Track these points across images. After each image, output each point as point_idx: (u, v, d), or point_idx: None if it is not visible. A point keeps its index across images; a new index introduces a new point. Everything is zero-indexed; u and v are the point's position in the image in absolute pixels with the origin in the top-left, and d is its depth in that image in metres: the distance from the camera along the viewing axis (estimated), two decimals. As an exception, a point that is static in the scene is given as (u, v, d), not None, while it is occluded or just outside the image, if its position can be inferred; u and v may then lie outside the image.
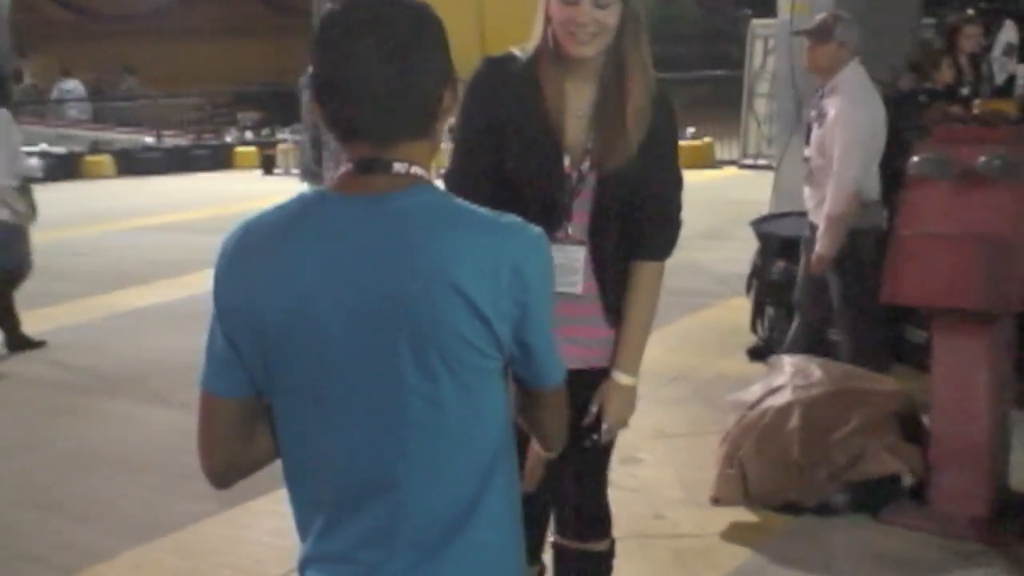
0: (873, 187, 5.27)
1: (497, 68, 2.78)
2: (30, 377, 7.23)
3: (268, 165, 20.02)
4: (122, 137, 21.65)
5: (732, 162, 17.49)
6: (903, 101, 5.49)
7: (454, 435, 1.74)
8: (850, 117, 5.12)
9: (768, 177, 9.10)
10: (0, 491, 5.20)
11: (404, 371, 1.70)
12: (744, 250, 7.16)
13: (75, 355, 7.71)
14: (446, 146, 2.83)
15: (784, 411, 4.34)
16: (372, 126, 1.73)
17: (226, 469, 1.82)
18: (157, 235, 13.10)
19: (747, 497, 4.37)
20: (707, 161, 17.84)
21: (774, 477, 4.30)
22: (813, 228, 5.36)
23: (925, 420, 4.45)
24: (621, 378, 2.85)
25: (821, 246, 5.22)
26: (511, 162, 2.74)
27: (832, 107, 5.20)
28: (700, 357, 6.81)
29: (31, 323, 7.99)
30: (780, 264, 6.15)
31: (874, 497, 4.34)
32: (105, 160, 20.63)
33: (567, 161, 2.76)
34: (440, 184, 1.94)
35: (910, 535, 4.25)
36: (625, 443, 5.42)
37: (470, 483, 1.77)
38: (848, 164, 5.11)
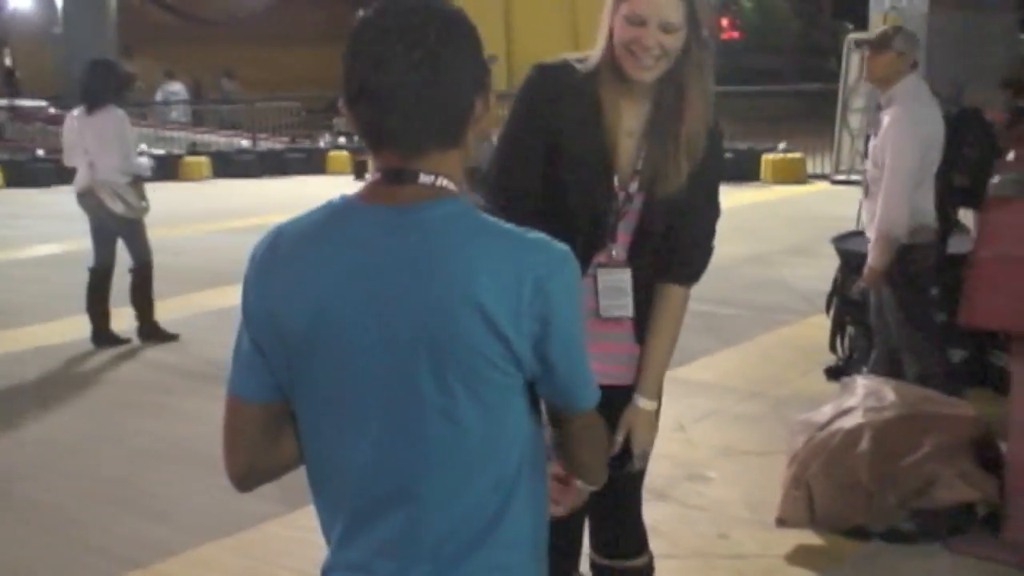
0: (926, 202, 5.16)
1: (554, 77, 2.73)
2: (114, 372, 7.38)
3: (360, 170, 20.19)
4: (219, 139, 22.01)
5: (824, 177, 17.22)
6: (964, 116, 5.38)
7: (472, 451, 1.72)
8: (902, 129, 5.05)
9: (858, 193, 8.96)
10: (75, 485, 5.31)
11: (421, 384, 1.69)
12: (829, 267, 7.03)
13: (161, 352, 7.86)
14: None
15: (854, 433, 4.25)
16: (400, 135, 1.70)
17: (248, 472, 1.82)
18: (250, 236, 13.17)
19: (813, 520, 4.28)
20: (797, 176, 17.58)
21: (841, 501, 4.21)
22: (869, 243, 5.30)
23: (1003, 447, 4.33)
24: (644, 403, 2.82)
25: (871, 258, 5.19)
26: (567, 175, 2.70)
27: (888, 117, 5.14)
28: (777, 375, 6.71)
29: (122, 320, 8.16)
30: (860, 282, 6.02)
31: (946, 525, 4.22)
32: (202, 162, 21.01)
33: (616, 180, 2.73)
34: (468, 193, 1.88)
35: (983, 566, 4.12)
36: (694, 460, 5.40)
37: (490, 501, 1.74)
38: (897, 178, 5.04)
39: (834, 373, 6.40)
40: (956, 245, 5.60)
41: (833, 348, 6.58)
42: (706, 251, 2.86)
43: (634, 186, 2.73)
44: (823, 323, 6.95)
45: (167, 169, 20.04)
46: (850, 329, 6.48)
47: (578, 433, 1.85)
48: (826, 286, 6.85)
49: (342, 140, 23.14)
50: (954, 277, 5.19)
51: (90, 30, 26.56)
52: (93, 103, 7.80)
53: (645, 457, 2.85)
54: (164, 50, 29.44)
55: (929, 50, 7.90)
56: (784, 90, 26.68)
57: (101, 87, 7.87)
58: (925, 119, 5.12)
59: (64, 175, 19.38)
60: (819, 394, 5.76)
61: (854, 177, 15.04)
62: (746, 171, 17.69)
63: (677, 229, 2.77)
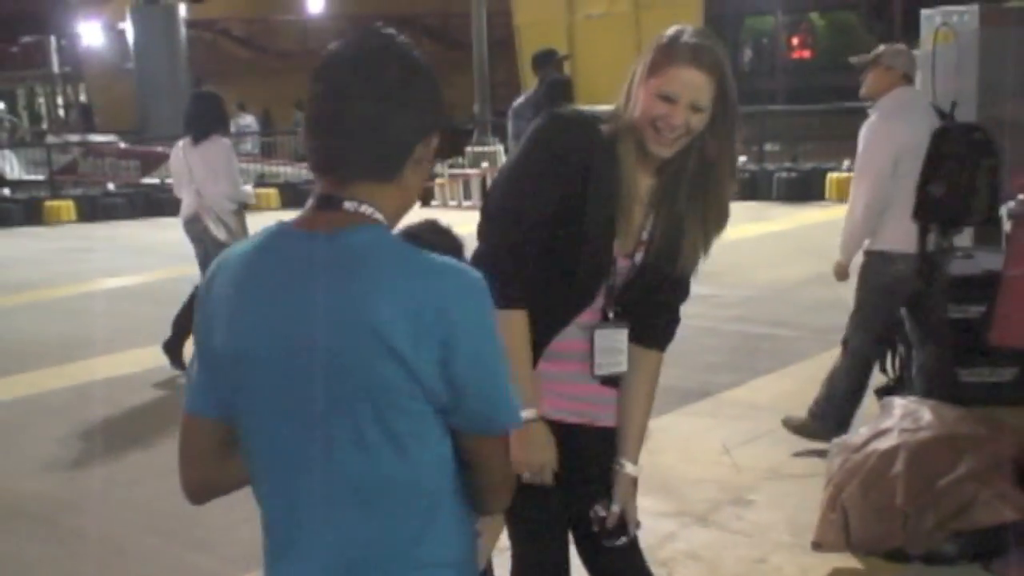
0: (904, 212, 5.31)
1: (581, 129, 2.68)
2: (174, 404, 7.50)
3: (426, 198, 20.35)
4: (287, 170, 22.30)
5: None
6: (946, 131, 5.36)
7: (384, 477, 1.75)
8: (873, 135, 5.33)
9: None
10: (124, 516, 5.40)
11: (328, 411, 1.73)
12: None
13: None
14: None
15: (889, 455, 4.19)
16: (336, 162, 1.78)
17: (199, 487, 1.91)
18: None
19: (849, 543, 4.22)
20: (861, 194, 17.32)
21: (878, 523, 4.14)
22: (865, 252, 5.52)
23: (1047, 468, 4.24)
24: (632, 469, 2.85)
25: (840, 253, 5.50)
26: (574, 230, 2.66)
27: (865, 125, 5.40)
28: (828, 396, 6.63)
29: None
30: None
31: (986, 547, 4.13)
32: (271, 193, 21.29)
33: (617, 245, 2.71)
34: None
35: (1026, 589, 4.05)
36: (738, 484, 5.36)
37: (405, 529, 1.78)
38: (862, 180, 5.35)
39: (885, 393, 6.29)
40: (993, 263, 5.53)
41: (884, 369, 6.48)
42: (674, 320, 2.88)
43: (639, 256, 2.72)
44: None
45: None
46: (901, 349, 6.38)
47: (482, 456, 1.84)
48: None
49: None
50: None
51: (162, 64, 27.08)
52: (199, 133, 8.00)
53: (637, 524, 2.88)
54: (235, 82, 29.96)
55: (982, 65, 7.77)
56: (854, 107, 26.40)
57: (206, 117, 8.08)
58: (901, 129, 5.30)
59: (135, 210, 19.97)
60: (869, 415, 5.68)
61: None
62: (811, 190, 17.53)
63: (665, 296, 2.79)
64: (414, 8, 32.61)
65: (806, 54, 40.73)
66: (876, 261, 5.44)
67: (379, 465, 1.74)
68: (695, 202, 2.68)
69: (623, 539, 2.84)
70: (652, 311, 2.79)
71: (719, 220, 2.69)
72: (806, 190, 17.46)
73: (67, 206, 20.73)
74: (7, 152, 24.82)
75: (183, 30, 28.62)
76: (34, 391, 7.93)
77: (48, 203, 20.83)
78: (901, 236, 5.35)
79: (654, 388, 2.87)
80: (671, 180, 2.68)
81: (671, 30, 2.62)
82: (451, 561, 1.83)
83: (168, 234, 14.05)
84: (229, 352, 1.77)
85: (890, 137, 5.29)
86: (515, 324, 2.68)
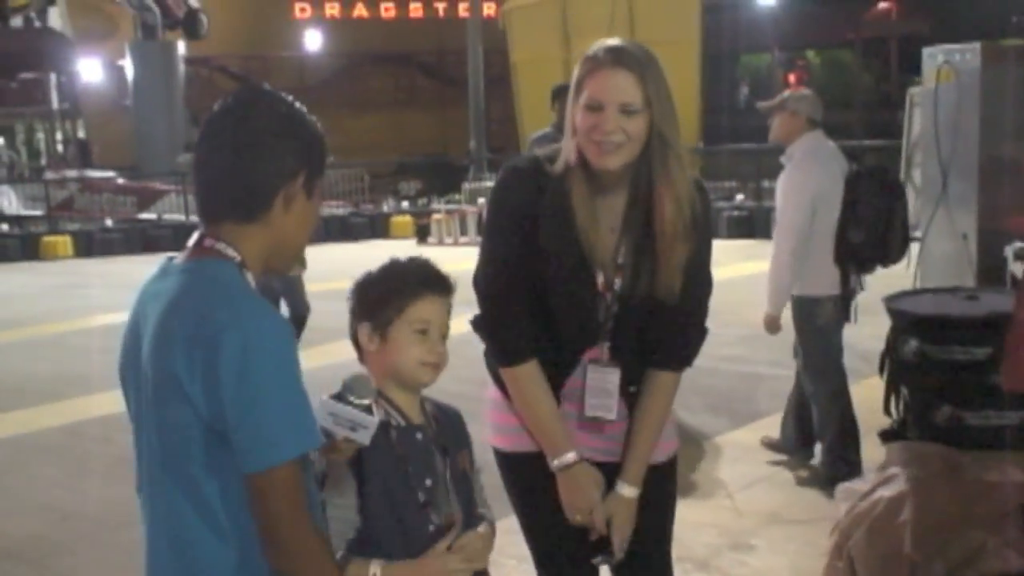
0: (825, 257, 5.52)
1: (527, 176, 2.67)
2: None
3: (422, 234, 20.33)
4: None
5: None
6: (859, 176, 5.57)
7: (191, 512, 1.94)
8: (792, 187, 5.53)
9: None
10: (116, 560, 5.29)
11: (152, 439, 1.98)
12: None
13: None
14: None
15: (896, 501, 4.10)
16: (204, 205, 2.00)
17: None
18: (321, 302, 13.38)
19: (856, 592, 4.13)
20: (864, 231, 17.29)
21: (884, 572, 4.05)
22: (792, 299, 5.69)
23: (1056, 514, 4.16)
24: (628, 491, 2.75)
25: (768, 306, 5.66)
26: (550, 279, 2.65)
27: (783, 175, 5.61)
28: (831, 438, 6.55)
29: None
30: (913, 343, 5.86)
31: (996, 597, 4.05)
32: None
33: (600, 279, 2.66)
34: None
35: (1036, 639, 3.95)
36: (739, 528, 5.26)
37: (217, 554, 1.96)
38: (783, 234, 5.53)
39: (888, 436, 6.19)
40: (998, 304, 5.48)
41: (887, 411, 6.39)
42: (699, 331, 2.78)
43: (619, 283, 2.66)
44: (880, 384, 6.77)
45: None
46: (904, 391, 6.30)
47: (255, 496, 1.90)
48: (885, 346, 6.69)
49: (405, 204, 23.35)
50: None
51: (160, 101, 27.15)
52: None
53: (624, 546, 2.77)
54: (233, 119, 29.90)
55: (983, 104, 7.76)
56: (852, 146, 26.42)
57: None
58: (817, 177, 5.49)
59: (132, 245, 19.92)
60: (873, 458, 5.60)
61: (917, 234, 14.80)
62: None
63: (664, 313, 2.68)
64: (410, 45, 32.70)
65: (803, 91, 40.83)
66: (806, 305, 5.64)
67: (191, 499, 1.94)
68: (646, 221, 2.61)
69: (608, 559, 2.77)
70: (658, 333, 2.71)
71: (675, 235, 2.60)
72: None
73: (64, 241, 20.70)
74: (5, 187, 24.80)
75: (181, 67, 28.70)
76: (26, 429, 7.84)
77: (45, 238, 20.82)
78: (824, 280, 5.57)
79: (664, 411, 2.77)
80: (631, 201, 2.64)
81: (586, 51, 2.61)
82: None
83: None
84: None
85: (806, 185, 5.47)
86: (522, 378, 2.70)
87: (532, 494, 2.84)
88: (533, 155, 2.73)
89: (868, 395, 7.32)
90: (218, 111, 1.98)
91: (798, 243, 5.48)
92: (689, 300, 2.69)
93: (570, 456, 2.69)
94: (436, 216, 20.57)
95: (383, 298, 2.46)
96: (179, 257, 2.02)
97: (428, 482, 2.44)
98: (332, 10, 33.98)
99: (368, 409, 2.26)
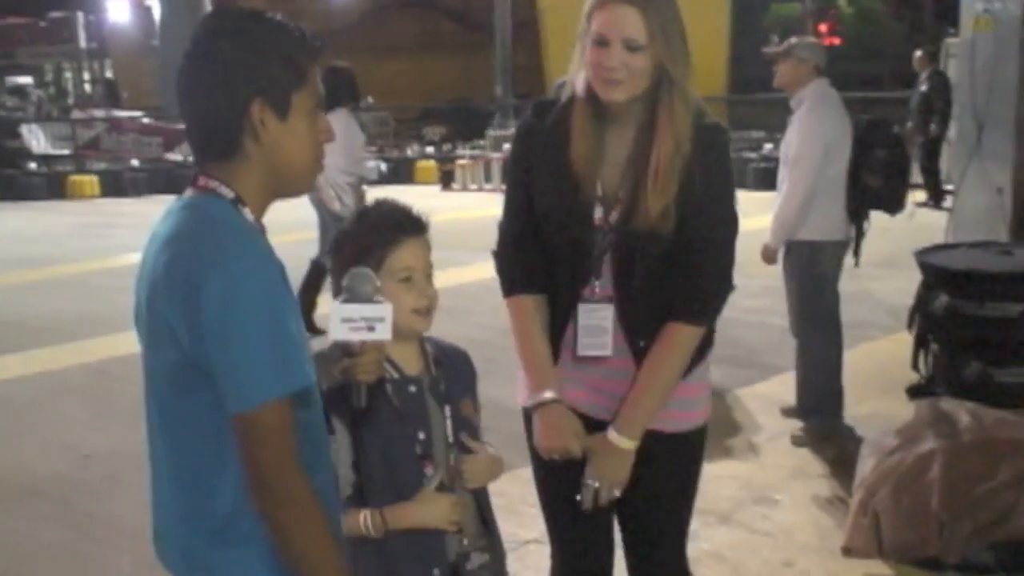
0: (833, 203, 5.56)
1: (539, 114, 2.69)
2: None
3: (447, 180, 20.24)
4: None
5: (921, 186, 16.72)
6: (873, 123, 5.74)
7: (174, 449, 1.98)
8: (809, 126, 5.52)
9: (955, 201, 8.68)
10: (139, 500, 5.28)
11: (148, 374, 1.98)
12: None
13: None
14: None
15: (924, 459, 4.05)
16: (192, 150, 1.98)
17: None
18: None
19: (881, 550, 4.09)
20: (894, 185, 17.09)
21: (911, 530, 4.01)
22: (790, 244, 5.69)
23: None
24: (615, 438, 2.62)
25: (769, 238, 5.70)
26: (539, 210, 2.64)
27: (796, 117, 5.64)
28: (856, 393, 6.46)
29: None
30: (944, 298, 5.79)
31: None
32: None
33: (599, 212, 2.60)
34: None
35: (1064, 601, 3.91)
36: (763, 482, 5.22)
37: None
38: (800, 167, 5.49)
39: (916, 392, 6.15)
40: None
41: (915, 366, 6.33)
42: (717, 282, 2.62)
43: (615, 216, 2.60)
44: (908, 339, 6.71)
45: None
46: (933, 346, 6.24)
47: (240, 437, 1.86)
48: (914, 300, 6.63)
49: (429, 150, 23.24)
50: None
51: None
52: (326, 106, 7.99)
53: (600, 494, 2.64)
54: (259, 62, 29.79)
55: (1022, 55, 7.59)
56: (884, 97, 26.09)
57: (332, 90, 8.10)
58: (831, 122, 5.55)
59: (157, 185, 19.91)
60: (898, 414, 5.54)
61: (949, 187, 14.63)
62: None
63: (680, 260, 2.58)
64: (437, -10, 32.48)
65: (835, 41, 40.38)
66: (806, 250, 5.64)
67: (167, 437, 1.99)
68: (645, 154, 2.56)
69: (586, 496, 2.66)
70: (673, 283, 2.59)
71: (666, 171, 2.53)
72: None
73: (91, 181, 20.74)
74: (33, 127, 24.80)
75: (208, 7, 28.52)
76: (51, 368, 7.87)
77: (72, 178, 20.83)
78: (829, 225, 5.59)
79: (673, 364, 2.59)
80: (638, 135, 2.60)
81: None
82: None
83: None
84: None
85: (822, 128, 5.51)
86: (518, 309, 2.70)
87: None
88: (557, 90, 2.77)
89: (894, 350, 7.28)
90: (189, 47, 1.94)
91: (813, 184, 5.50)
92: (704, 245, 2.58)
93: (547, 395, 2.63)
94: (460, 162, 20.48)
95: (360, 253, 2.40)
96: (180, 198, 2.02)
97: (421, 435, 2.41)
98: (359, -47, 33.71)
99: (376, 298, 2.21)
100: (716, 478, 5.19)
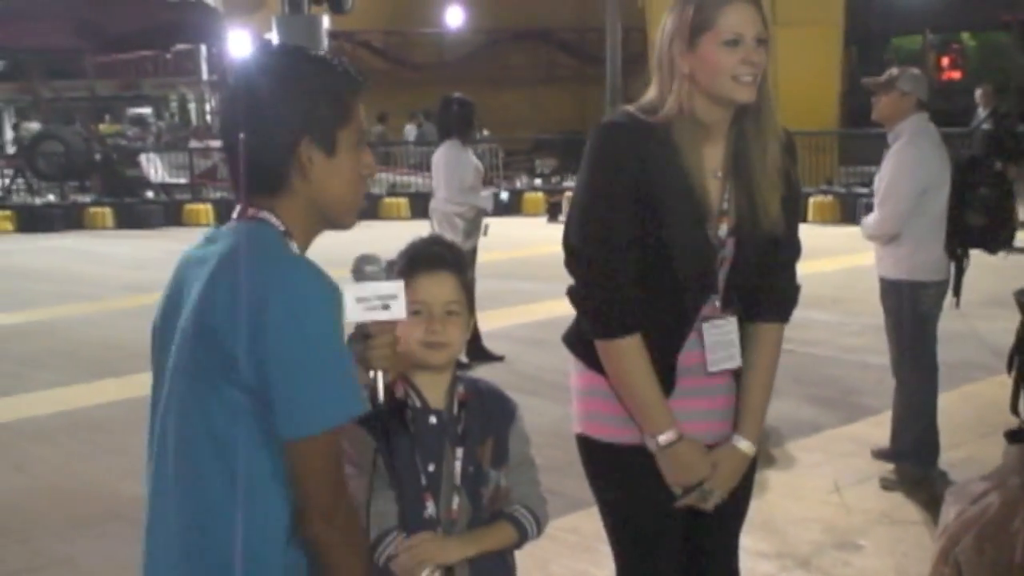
0: (934, 241, 5.39)
1: (630, 135, 2.58)
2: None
3: (553, 212, 20.25)
4: (418, 180, 22.42)
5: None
6: (975, 161, 5.57)
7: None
8: (905, 159, 5.34)
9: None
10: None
11: (172, 403, 1.96)
12: (1030, 321, 6.59)
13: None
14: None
15: (1009, 507, 3.85)
16: (237, 184, 1.98)
17: None
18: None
19: (962, 600, 3.91)
20: (1009, 221, 16.62)
21: (993, 581, 3.83)
22: (881, 280, 5.56)
23: None
24: (742, 444, 2.68)
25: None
26: (660, 234, 2.56)
27: (893, 150, 5.43)
28: (953, 436, 6.24)
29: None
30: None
31: (1114, 614, 3.79)
32: (401, 203, 21.47)
33: (710, 229, 2.59)
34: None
35: None
36: (846, 526, 5.06)
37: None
38: (890, 207, 5.36)
39: (1014, 437, 5.90)
40: None
41: (1014, 409, 6.08)
42: (794, 284, 2.77)
43: (724, 229, 2.59)
44: (1010, 382, 6.46)
45: (367, 209, 20.64)
46: (1033, 388, 5.99)
47: (292, 463, 1.86)
48: (1023, 341, 6.40)
49: (538, 182, 23.28)
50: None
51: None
52: (439, 137, 8.56)
53: (711, 496, 2.69)
54: (372, 93, 30.16)
55: None
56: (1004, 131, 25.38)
57: (442, 122, 8.50)
58: (929, 156, 5.32)
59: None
60: (995, 459, 5.30)
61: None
62: (952, 216, 16.86)
63: (767, 264, 2.66)
64: (550, 22, 32.54)
65: (956, 75, 39.50)
66: (906, 290, 5.45)
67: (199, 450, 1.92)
68: (756, 160, 2.58)
69: (680, 500, 2.70)
70: (762, 282, 2.68)
71: (775, 172, 2.58)
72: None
73: (206, 209, 21.25)
74: (152, 155, 25.51)
75: (325, 41, 29.07)
76: (148, 393, 7.98)
77: (188, 206, 21.35)
78: (932, 264, 5.42)
79: (774, 363, 2.74)
80: (737, 143, 2.60)
81: None
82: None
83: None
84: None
85: (919, 165, 5.34)
86: (626, 352, 2.60)
87: (623, 487, 2.76)
88: (626, 109, 2.67)
89: (996, 393, 6.99)
90: (233, 82, 2.00)
91: (894, 219, 5.38)
92: (792, 252, 2.73)
93: (671, 434, 2.61)
94: (568, 194, 20.46)
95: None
96: (225, 226, 2.03)
97: (431, 467, 2.39)
98: (474, -14, 34.06)
99: (387, 274, 2.23)
100: (799, 521, 5.05)
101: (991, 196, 5.41)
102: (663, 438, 2.61)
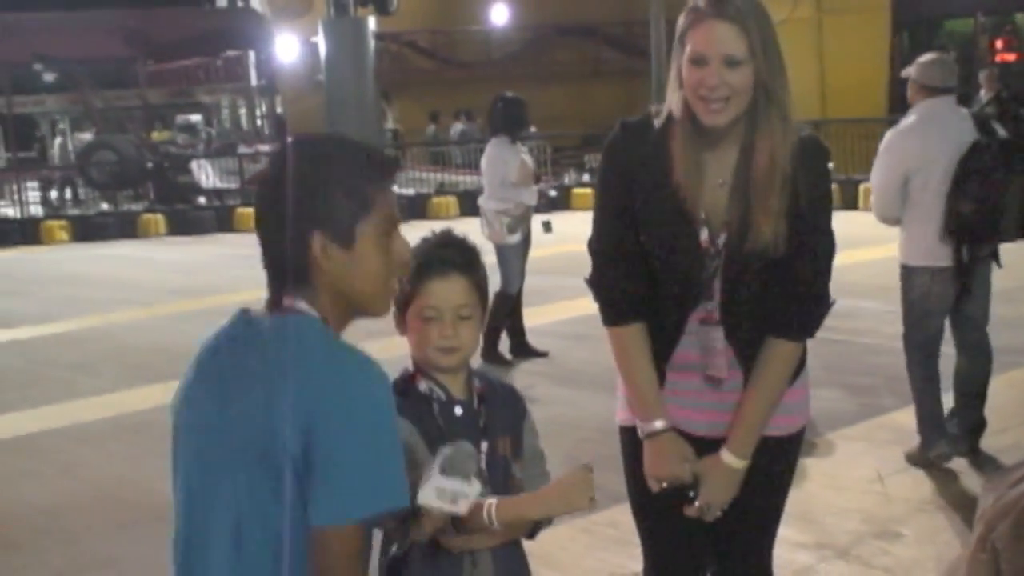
0: (920, 226, 5.36)
1: (631, 136, 2.61)
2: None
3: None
4: (465, 179, 22.46)
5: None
6: (981, 146, 5.29)
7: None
8: (885, 145, 5.44)
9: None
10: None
11: (235, 494, 1.91)
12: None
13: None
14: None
15: (1046, 493, 3.80)
16: (268, 273, 2.00)
17: None
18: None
19: (999, 587, 3.85)
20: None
21: (1031, 568, 3.76)
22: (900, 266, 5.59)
23: None
24: (728, 458, 2.62)
25: None
26: (644, 236, 2.59)
27: None
28: (997, 423, 6.13)
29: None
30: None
31: None
32: (450, 201, 21.51)
33: (704, 235, 2.56)
34: None
35: None
36: (887, 515, 4.99)
37: None
38: (872, 184, 5.55)
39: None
40: None
41: (1059, 397, 6.00)
42: (819, 301, 2.64)
43: (722, 239, 2.56)
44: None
45: (417, 208, 20.76)
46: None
47: (319, 551, 1.83)
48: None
49: (586, 178, 23.22)
50: None
51: (350, 76, 27.64)
52: (490, 134, 8.59)
53: (705, 512, 2.65)
54: (419, 93, 30.40)
55: None
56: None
57: (491, 119, 8.57)
58: (912, 144, 5.30)
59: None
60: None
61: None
62: (1007, 199, 16.62)
63: (780, 279, 2.57)
64: (596, 17, 32.42)
65: (1011, 57, 38.86)
66: (905, 275, 5.58)
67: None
68: (751, 173, 2.52)
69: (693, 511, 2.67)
70: (775, 300, 2.60)
71: (768, 184, 2.50)
72: (1002, 199, 16.56)
73: (256, 213, 21.37)
74: (203, 162, 25.77)
75: (371, 42, 29.19)
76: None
77: (239, 210, 21.53)
78: (919, 250, 5.43)
79: (780, 381, 2.63)
80: (742, 155, 2.54)
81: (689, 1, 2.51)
82: None
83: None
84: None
85: (894, 152, 5.39)
86: (623, 339, 2.66)
87: (634, 466, 2.78)
88: (646, 112, 2.66)
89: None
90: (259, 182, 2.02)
91: (880, 208, 5.48)
92: (804, 265, 2.59)
93: (658, 424, 2.64)
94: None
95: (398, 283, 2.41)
96: (257, 311, 2.01)
97: None
98: (519, -17, 34.03)
99: (473, 478, 2.20)
100: (839, 511, 4.99)
101: (978, 184, 5.26)
102: (649, 427, 2.65)
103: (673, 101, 2.54)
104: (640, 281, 2.63)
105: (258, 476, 1.85)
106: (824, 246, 2.61)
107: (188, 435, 2.00)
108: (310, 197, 1.92)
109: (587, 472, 2.29)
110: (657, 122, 2.58)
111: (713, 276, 2.59)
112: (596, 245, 2.69)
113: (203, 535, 1.95)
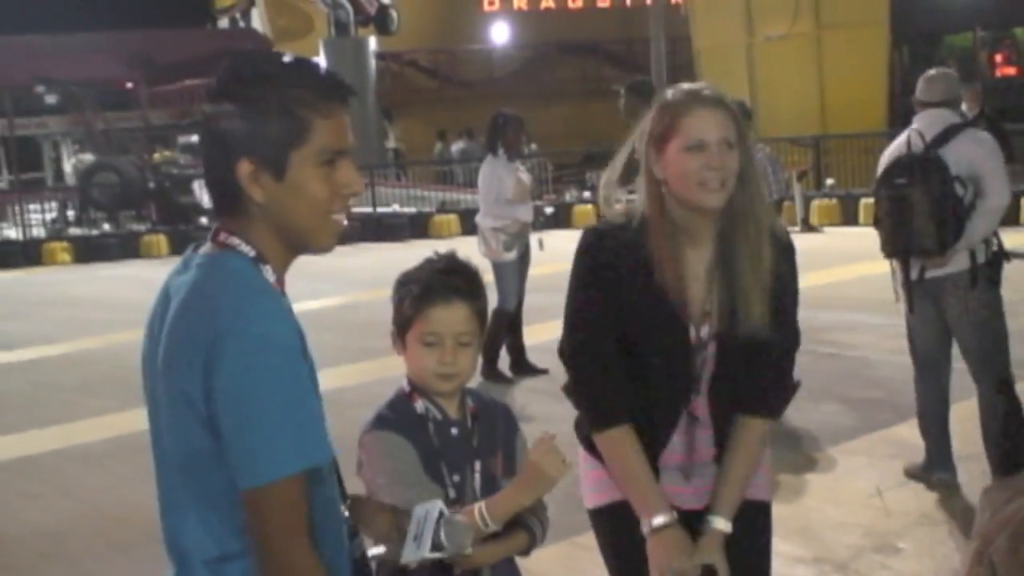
0: None
1: (606, 239, 2.64)
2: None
3: (603, 223, 20.22)
4: (467, 197, 22.49)
5: None
6: (898, 162, 5.28)
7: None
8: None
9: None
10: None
11: (160, 447, 1.90)
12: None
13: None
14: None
15: (1043, 506, 3.80)
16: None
17: None
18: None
19: (998, 602, 3.84)
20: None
21: (1029, 581, 3.76)
22: None
23: None
24: (722, 524, 2.66)
25: None
26: (636, 339, 2.62)
27: None
28: (999, 436, 6.15)
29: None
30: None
31: None
32: (451, 219, 21.52)
33: (692, 331, 2.61)
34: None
35: None
36: (886, 529, 4.99)
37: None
38: None
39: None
40: None
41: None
42: (783, 385, 2.76)
43: (706, 330, 2.61)
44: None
45: (418, 226, 20.80)
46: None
47: (249, 512, 1.77)
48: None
49: (587, 195, 23.24)
50: None
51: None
52: (486, 152, 8.69)
53: None
54: (421, 112, 30.51)
55: None
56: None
57: (487, 137, 8.62)
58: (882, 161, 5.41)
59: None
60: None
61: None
62: (1010, 213, 16.60)
63: (757, 361, 2.63)
64: (597, 35, 32.57)
65: (1011, 71, 38.90)
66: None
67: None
68: (733, 261, 2.57)
69: None
70: (746, 376, 2.65)
71: (756, 273, 2.56)
72: (1007, 213, 16.54)
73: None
74: (203, 182, 25.78)
75: (373, 62, 29.31)
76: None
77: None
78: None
79: (753, 457, 2.70)
80: (720, 245, 2.59)
81: (660, 99, 2.59)
82: None
83: (347, 261, 14.34)
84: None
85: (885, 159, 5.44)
86: (618, 441, 2.68)
87: (623, 544, 2.78)
88: (614, 216, 2.73)
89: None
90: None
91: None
92: (783, 349, 2.69)
93: (664, 519, 2.64)
94: (619, 206, 20.40)
95: (399, 305, 2.47)
96: (200, 248, 1.92)
97: (456, 478, 2.42)
98: (520, 2, 34.14)
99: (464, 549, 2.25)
100: (838, 525, 4.99)
101: (883, 202, 5.25)
102: (656, 521, 2.65)
103: (647, 201, 2.58)
104: (623, 383, 2.66)
105: (188, 419, 1.78)
106: (791, 335, 2.70)
107: (142, 370, 1.92)
108: (239, 124, 1.81)
109: (549, 441, 2.34)
110: (629, 221, 2.62)
111: (702, 369, 2.64)
112: (576, 352, 2.69)
113: (163, 468, 1.91)
